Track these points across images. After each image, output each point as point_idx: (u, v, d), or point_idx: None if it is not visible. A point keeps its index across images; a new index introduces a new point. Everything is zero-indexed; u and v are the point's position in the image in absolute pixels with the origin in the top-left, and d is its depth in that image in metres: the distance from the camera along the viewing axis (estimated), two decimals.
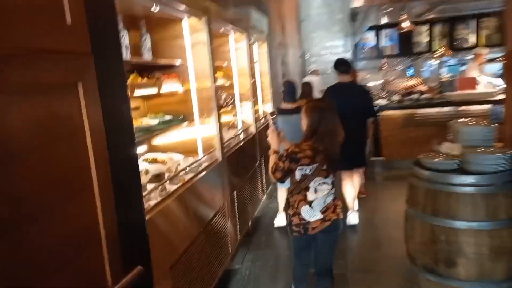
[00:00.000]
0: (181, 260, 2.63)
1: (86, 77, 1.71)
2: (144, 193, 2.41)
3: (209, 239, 3.20)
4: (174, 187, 2.83)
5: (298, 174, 2.47)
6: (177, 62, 3.46)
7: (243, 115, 5.28)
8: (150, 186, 2.76)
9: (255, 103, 5.86)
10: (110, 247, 1.44)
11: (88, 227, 1.37)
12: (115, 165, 1.70)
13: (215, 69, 4.79)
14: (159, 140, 3.70)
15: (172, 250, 2.55)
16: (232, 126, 5.14)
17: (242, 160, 4.48)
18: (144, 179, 2.72)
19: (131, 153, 1.98)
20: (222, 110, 4.77)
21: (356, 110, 4.26)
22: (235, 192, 4.01)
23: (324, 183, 2.47)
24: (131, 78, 2.82)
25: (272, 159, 2.54)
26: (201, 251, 2.99)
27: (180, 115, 3.58)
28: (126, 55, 2.73)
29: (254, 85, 6.36)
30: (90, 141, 1.67)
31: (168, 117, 3.41)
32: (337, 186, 2.71)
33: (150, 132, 2.99)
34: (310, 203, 2.46)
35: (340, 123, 2.48)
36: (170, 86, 3.31)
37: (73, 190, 1.31)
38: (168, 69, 3.51)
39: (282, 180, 2.50)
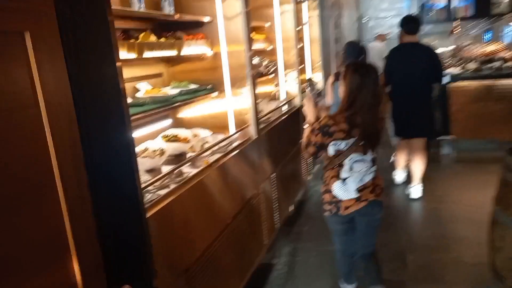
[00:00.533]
0: (200, 260, 2.16)
1: (38, 25, 1.21)
2: (154, 179, 1.93)
3: (239, 231, 2.69)
4: (194, 171, 2.32)
5: (331, 150, 2.25)
6: (205, 19, 2.88)
7: (287, 85, 4.63)
8: (166, 169, 2.29)
9: (302, 71, 5.17)
10: (85, 263, 1.19)
11: (48, 239, 1.10)
12: (93, 153, 1.28)
13: (253, 30, 4.20)
14: (184, 114, 3.21)
15: (189, 249, 2.07)
16: (274, 97, 4.53)
17: (283, 137, 3.88)
18: (156, 161, 2.23)
19: (121, 136, 1.49)
20: (262, 79, 4.19)
21: (421, 74, 3.90)
22: (273, 174, 3.45)
23: (361, 160, 2.24)
24: (142, 36, 2.30)
25: (306, 132, 2.30)
26: (227, 246, 2.50)
27: (208, 84, 3.04)
28: (140, 6, 2.20)
29: (301, 51, 5.64)
30: (46, 121, 1.19)
31: (193, 86, 2.88)
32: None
33: (169, 103, 2.47)
34: (343, 180, 2.26)
35: (384, 93, 2.31)
36: (195, 48, 2.76)
37: (22, 191, 1.03)
38: (194, 28, 2.95)
39: (315, 156, 2.32)
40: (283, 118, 3.98)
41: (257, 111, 3.08)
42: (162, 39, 2.46)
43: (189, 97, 2.77)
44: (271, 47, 4.45)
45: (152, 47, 2.18)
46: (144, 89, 2.60)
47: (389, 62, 4.23)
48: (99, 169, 1.33)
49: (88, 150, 1.28)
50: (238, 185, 2.76)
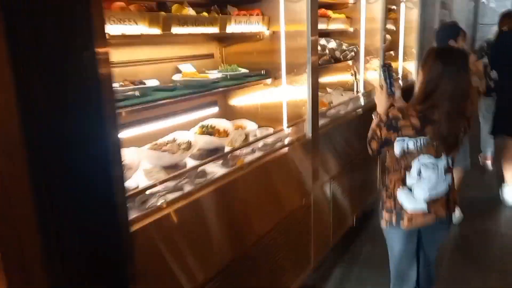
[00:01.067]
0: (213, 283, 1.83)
1: None
2: (145, 187, 1.63)
3: (275, 247, 2.30)
4: (223, 171, 1.97)
5: (397, 148, 1.93)
6: None
7: (368, 75, 3.99)
8: (192, 163, 1.98)
9: (390, 60, 4.44)
10: None
11: None
12: (41, 146, 1.03)
13: (329, 7, 3.64)
14: (235, 102, 2.86)
15: (195, 271, 1.74)
16: (349, 88, 3.94)
17: (352, 135, 3.31)
18: (178, 156, 1.92)
19: (96, 131, 1.19)
20: (337, 65, 3.63)
21: None
22: (331, 182, 2.95)
23: (433, 165, 1.89)
24: (174, 9, 1.97)
25: (373, 124, 2.02)
26: (254, 266, 2.13)
27: (263, 69, 2.63)
28: None
29: (394, 35, 4.88)
30: None
31: (243, 71, 2.50)
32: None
33: (208, 89, 2.13)
34: (409, 186, 1.94)
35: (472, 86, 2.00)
36: (247, 26, 2.36)
37: None
38: (251, 3, 2.55)
39: (378, 152, 2.01)
40: (356, 112, 3.41)
41: (315, 104, 2.59)
42: (205, 14, 2.11)
43: (235, 82, 2.40)
44: (352, 28, 3.84)
45: (184, 21, 1.84)
46: (183, 71, 2.30)
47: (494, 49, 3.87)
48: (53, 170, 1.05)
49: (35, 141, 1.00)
50: (279, 191, 2.34)
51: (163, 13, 1.71)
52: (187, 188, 1.78)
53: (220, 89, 2.23)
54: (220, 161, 2.10)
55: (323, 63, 3.34)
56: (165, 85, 2.04)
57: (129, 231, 1.36)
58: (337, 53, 3.67)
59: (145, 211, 1.52)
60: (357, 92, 3.88)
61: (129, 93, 1.76)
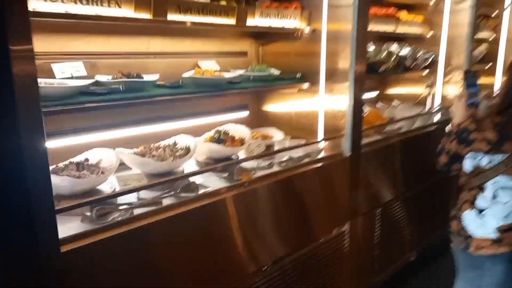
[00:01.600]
0: None
1: None
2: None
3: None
4: (220, 185, 1.65)
5: (468, 164, 1.73)
6: None
7: (447, 88, 3.32)
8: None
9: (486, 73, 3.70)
10: None
11: None
12: None
13: (400, 6, 3.09)
14: (267, 107, 2.52)
15: None
16: (421, 102, 3.32)
17: (412, 158, 2.73)
18: (167, 164, 1.65)
19: None
20: (409, 75, 3.07)
21: None
22: (378, 211, 2.43)
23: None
24: None
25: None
26: None
27: (299, 72, 2.25)
28: None
29: (492, 45, 4.09)
30: None
31: (273, 72, 2.15)
32: None
33: (221, 89, 1.84)
34: (480, 210, 1.71)
35: None
36: (275, 21, 2.01)
37: None
38: None
39: (447, 168, 1.78)
40: (425, 130, 2.82)
41: (358, 118, 2.13)
42: (222, 2, 1.81)
43: (262, 85, 2.07)
44: (431, 32, 3.23)
45: (186, 8, 1.57)
46: (203, 68, 2.04)
47: None
48: None
49: None
50: (298, 217, 1.93)
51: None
52: (167, 202, 1.50)
53: (241, 90, 1.92)
54: (226, 174, 1.79)
55: (385, 72, 2.83)
56: (173, 81, 1.79)
57: (58, 251, 1.12)
58: (408, 62, 3.10)
59: (95, 225, 1.28)
60: (431, 107, 3.25)
61: (115, 86, 1.54)
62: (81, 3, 1.30)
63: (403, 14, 3.11)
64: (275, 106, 2.49)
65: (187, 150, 1.75)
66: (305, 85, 2.23)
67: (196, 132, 2.07)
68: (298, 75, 2.23)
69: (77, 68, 1.63)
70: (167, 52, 2.02)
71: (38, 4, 1.21)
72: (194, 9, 1.62)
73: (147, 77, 1.73)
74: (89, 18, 1.35)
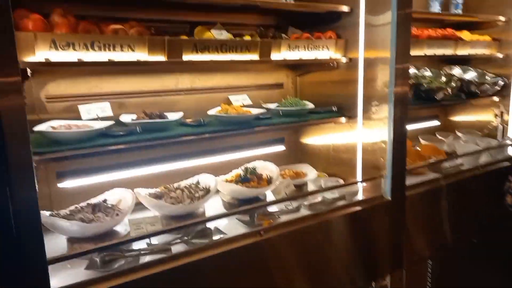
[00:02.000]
0: None
1: None
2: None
3: None
4: (237, 231, 1.55)
5: None
6: (345, 9, 1.96)
7: None
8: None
9: None
10: None
11: None
12: None
13: (468, 26, 2.79)
14: (306, 139, 2.39)
15: None
16: (491, 132, 2.92)
17: (475, 201, 2.38)
18: (184, 206, 1.60)
19: None
20: (476, 101, 2.73)
21: None
22: (427, 262, 2.13)
23: None
24: (196, 31, 1.67)
25: None
26: None
27: (335, 104, 2.10)
28: None
29: None
30: None
31: (306, 105, 2.03)
32: None
33: (248, 126, 1.77)
34: None
35: None
36: (305, 53, 1.90)
37: None
38: (326, 24, 2.07)
39: None
40: (493, 167, 2.46)
41: (400, 155, 1.90)
42: (247, 37, 1.75)
43: (293, 120, 1.96)
44: (501, 54, 2.86)
45: (203, 46, 1.53)
46: (234, 103, 2.00)
47: None
48: None
49: None
50: (329, 269, 1.75)
51: (167, 37, 1.44)
52: (177, 249, 1.43)
53: (261, 127, 1.83)
54: (247, 218, 1.69)
55: (444, 99, 2.54)
56: (194, 119, 1.76)
57: None
58: (472, 87, 2.76)
59: (98, 273, 1.25)
60: (503, 139, 2.84)
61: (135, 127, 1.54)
62: (93, 49, 1.32)
63: (465, 35, 2.80)
64: (313, 139, 2.34)
65: (207, 191, 1.69)
66: (343, 119, 2.06)
67: (226, 168, 2.01)
68: (334, 108, 2.08)
69: (103, 108, 1.67)
70: (197, 88, 2.01)
71: (50, 54, 1.25)
72: (212, 47, 1.57)
73: (171, 116, 1.72)
74: (102, 64, 1.36)
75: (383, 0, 1.80)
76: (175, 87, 1.93)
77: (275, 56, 1.78)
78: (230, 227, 1.61)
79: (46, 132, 1.37)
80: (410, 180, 2.04)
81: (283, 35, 1.88)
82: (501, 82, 2.79)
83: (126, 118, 1.65)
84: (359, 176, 2.04)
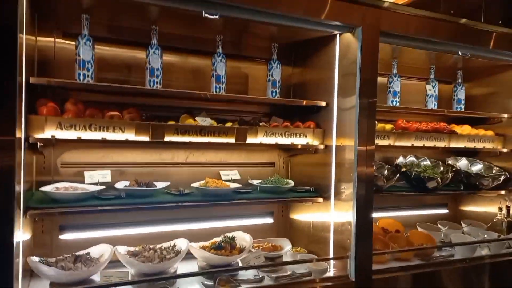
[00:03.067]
0: None
1: None
2: None
3: None
4: None
5: None
6: (323, 104, 2.24)
7: None
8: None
9: None
10: None
11: None
12: None
13: (475, 121, 2.89)
14: (292, 215, 2.54)
15: None
16: (497, 226, 2.83)
17: None
18: (153, 265, 1.82)
19: None
20: (483, 194, 2.78)
21: None
22: None
23: None
24: (180, 118, 2.02)
25: None
26: None
27: (315, 185, 2.28)
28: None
29: None
30: None
31: (287, 184, 2.24)
32: None
33: (226, 199, 2.02)
34: None
35: None
36: (281, 139, 2.16)
37: None
38: (310, 115, 2.35)
39: None
40: (490, 261, 2.41)
41: (366, 237, 1.99)
42: (228, 124, 2.07)
43: (272, 196, 2.17)
44: (506, 149, 2.89)
45: (184, 130, 1.86)
46: (223, 178, 2.27)
47: None
48: None
49: None
50: None
51: (152, 122, 1.81)
52: None
53: (241, 200, 2.06)
54: (211, 282, 1.86)
55: (438, 188, 2.60)
56: (177, 189, 2.05)
57: None
58: (472, 179, 2.78)
59: None
60: (508, 233, 2.75)
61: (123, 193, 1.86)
62: (90, 130, 1.70)
63: (465, 129, 2.89)
64: (298, 216, 2.50)
65: (177, 254, 1.90)
66: (320, 199, 2.23)
67: (213, 235, 2.22)
68: (311, 189, 2.26)
69: (104, 175, 2.03)
70: (191, 162, 2.32)
71: (56, 132, 1.65)
72: (192, 131, 1.91)
73: (159, 185, 2.03)
74: (97, 141, 1.74)
75: (350, 91, 2.06)
76: (171, 160, 2.27)
77: (252, 140, 2.07)
78: None
79: (47, 192, 1.73)
80: (393, 264, 2.14)
81: (264, 123, 2.18)
82: (502, 176, 2.78)
83: (120, 184, 1.98)
84: (331, 255, 2.14)
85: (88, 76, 1.79)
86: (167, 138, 1.86)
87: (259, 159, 2.54)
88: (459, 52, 2.44)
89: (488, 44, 2.54)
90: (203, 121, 2.00)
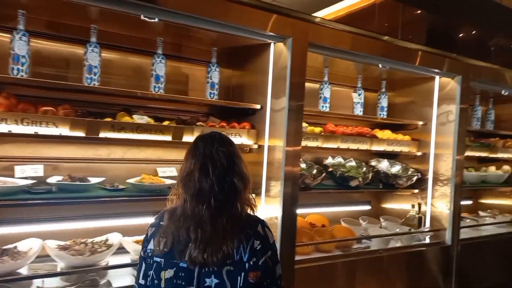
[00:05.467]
0: None
1: None
2: None
3: None
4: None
5: None
6: (257, 107, 2.39)
7: (436, 208, 3.19)
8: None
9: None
10: None
11: None
12: None
13: (398, 128, 3.22)
14: None
15: None
16: (409, 221, 3.19)
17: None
18: (84, 258, 1.87)
19: None
20: (398, 192, 3.09)
21: None
22: None
23: None
24: (117, 115, 2.08)
25: None
26: None
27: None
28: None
29: None
30: None
31: None
32: None
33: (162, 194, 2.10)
34: None
35: None
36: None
37: None
38: (247, 116, 2.50)
39: None
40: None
41: (289, 231, 2.19)
42: (166, 123, 2.17)
43: None
44: (420, 153, 3.25)
45: (120, 127, 1.93)
46: (160, 174, 2.35)
47: None
48: None
49: None
50: None
51: (88, 118, 1.86)
52: None
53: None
54: None
55: (359, 187, 2.88)
56: (110, 184, 2.10)
57: None
58: (390, 179, 3.11)
59: None
60: (420, 228, 3.11)
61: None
62: (22, 124, 1.71)
63: (386, 133, 3.22)
64: None
65: (109, 247, 1.96)
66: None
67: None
68: None
69: (36, 170, 2.03)
70: (128, 158, 2.37)
71: None
72: (128, 128, 1.97)
73: (94, 180, 2.07)
74: (29, 136, 1.75)
75: (281, 95, 2.24)
76: (107, 156, 2.30)
77: (188, 138, 2.17)
78: (124, 281, 1.86)
79: None
80: (316, 255, 2.39)
81: (201, 123, 2.30)
82: (415, 177, 3.14)
83: (52, 179, 1.99)
84: None
85: (22, 70, 1.79)
86: (102, 134, 1.91)
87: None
88: (380, 65, 2.72)
89: (406, 59, 2.86)
90: (140, 119, 2.08)
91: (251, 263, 1.19)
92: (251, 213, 1.32)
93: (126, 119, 2.03)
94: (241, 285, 1.18)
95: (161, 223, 1.28)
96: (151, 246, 1.26)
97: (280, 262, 1.30)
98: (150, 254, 1.25)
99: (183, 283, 1.18)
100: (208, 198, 1.21)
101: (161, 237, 1.22)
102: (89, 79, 2.00)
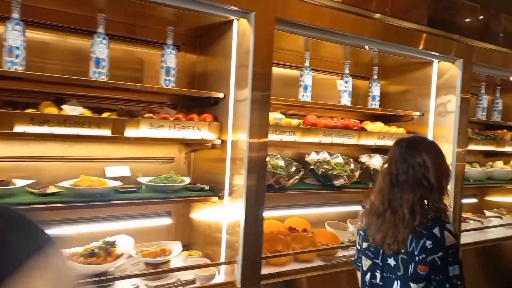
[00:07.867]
0: None
1: None
2: None
3: None
4: None
5: None
6: (220, 95, 2.05)
7: None
8: None
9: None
10: None
11: None
12: None
13: (391, 119, 2.86)
14: (192, 216, 2.35)
15: None
16: None
17: None
18: None
19: None
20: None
21: None
22: None
23: None
24: (41, 105, 1.74)
25: None
26: None
27: (214, 183, 2.10)
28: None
29: None
30: None
31: (181, 181, 2.04)
32: None
33: (104, 200, 1.78)
34: None
35: None
36: (167, 132, 1.94)
37: None
38: (209, 107, 2.16)
39: None
40: None
41: (253, 240, 1.85)
42: (106, 114, 1.83)
43: (161, 196, 1.96)
44: None
45: (42, 120, 1.59)
46: (109, 175, 2.02)
47: None
48: None
49: None
50: None
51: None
52: None
53: (116, 201, 1.83)
54: None
55: (345, 186, 2.52)
56: (42, 188, 1.78)
57: None
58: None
59: None
60: None
61: None
62: None
63: (376, 126, 2.86)
64: (197, 216, 2.31)
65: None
66: (214, 198, 2.05)
67: (90, 239, 1.97)
68: (206, 187, 2.08)
69: None
70: (70, 156, 2.04)
71: None
72: (54, 121, 1.64)
73: (19, 182, 1.75)
74: None
75: (244, 84, 1.90)
76: (43, 154, 1.98)
77: (132, 132, 1.84)
78: None
79: None
80: (292, 267, 2.03)
81: (150, 114, 1.95)
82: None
83: None
84: (222, 259, 1.98)
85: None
86: (19, 129, 1.58)
87: (156, 154, 2.31)
88: (366, 47, 2.36)
89: (399, 39, 2.50)
90: (72, 109, 1.74)
91: (420, 258, 1.36)
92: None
93: (51, 109, 1.70)
94: (411, 271, 1.38)
95: None
96: None
97: (459, 264, 1.36)
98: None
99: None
100: None
101: None
102: (9, 62, 1.67)
